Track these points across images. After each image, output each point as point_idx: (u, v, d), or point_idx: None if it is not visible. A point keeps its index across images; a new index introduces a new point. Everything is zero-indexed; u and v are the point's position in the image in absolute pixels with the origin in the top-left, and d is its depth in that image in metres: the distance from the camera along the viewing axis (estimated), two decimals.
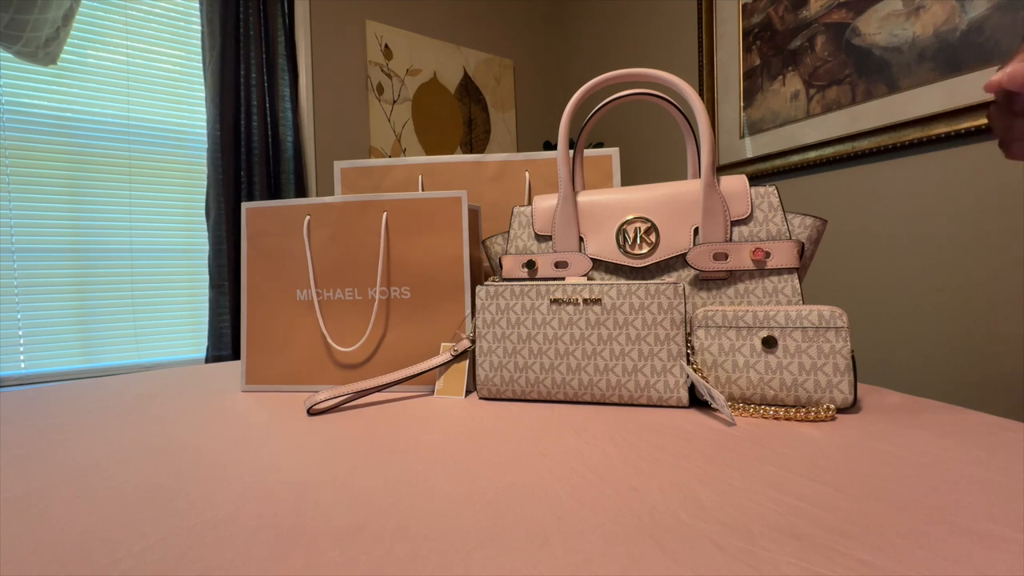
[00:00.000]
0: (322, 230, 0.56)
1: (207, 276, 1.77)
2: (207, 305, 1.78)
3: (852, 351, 0.40)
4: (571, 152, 0.56)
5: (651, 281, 0.44)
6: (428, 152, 2.27)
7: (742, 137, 1.68)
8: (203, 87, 1.79)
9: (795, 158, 1.52)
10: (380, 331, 0.55)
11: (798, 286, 0.45)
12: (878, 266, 1.36)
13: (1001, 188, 1.14)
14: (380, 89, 2.14)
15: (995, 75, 0.33)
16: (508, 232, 0.55)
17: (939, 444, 0.32)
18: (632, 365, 0.43)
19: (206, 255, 1.79)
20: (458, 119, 2.36)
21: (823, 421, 0.38)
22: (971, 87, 1.15)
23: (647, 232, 0.49)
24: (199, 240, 1.84)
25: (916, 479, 0.27)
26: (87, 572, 0.20)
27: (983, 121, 1.13)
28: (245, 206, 0.58)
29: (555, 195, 0.54)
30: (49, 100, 1.61)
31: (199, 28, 1.80)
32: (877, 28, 1.31)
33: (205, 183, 1.78)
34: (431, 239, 0.54)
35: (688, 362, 0.43)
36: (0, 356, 1.53)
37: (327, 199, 0.56)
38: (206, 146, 1.76)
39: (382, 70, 2.15)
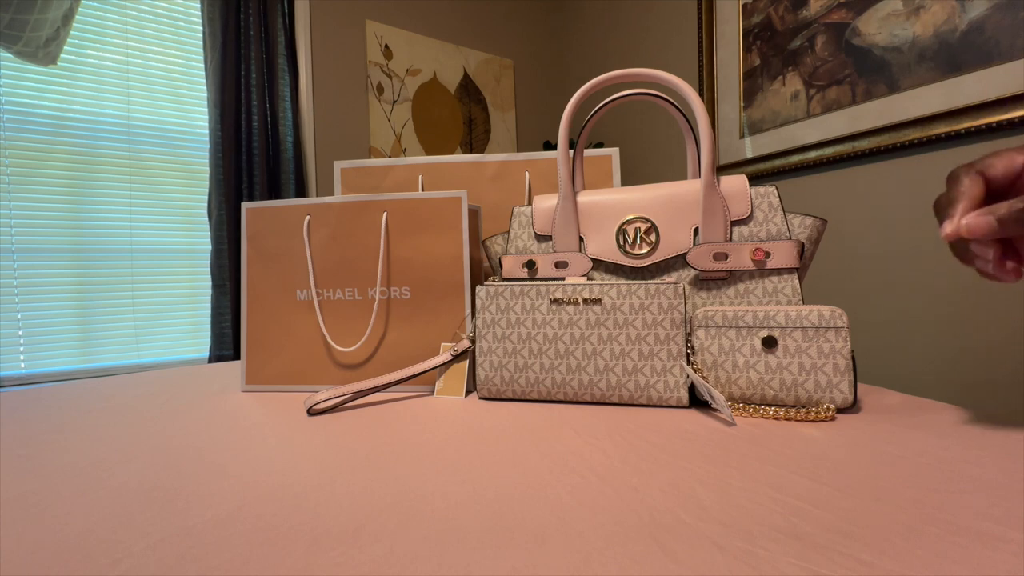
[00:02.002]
0: (322, 230, 0.56)
1: (209, 276, 1.78)
2: (209, 305, 1.78)
3: (852, 351, 0.39)
4: (571, 152, 0.56)
5: (651, 281, 0.44)
6: (428, 152, 2.27)
7: (742, 137, 1.68)
8: (204, 87, 1.80)
9: (795, 158, 1.52)
10: (380, 331, 0.55)
11: (798, 286, 0.45)
12: (878, 266, 1.36)
13: None
14: (380, 89, 2.14)
15: (947, 226, 0.32)
16: (508, 232, 0.55)
17: (939, 444, 0.32)
18: (632, 365, 0.43)
19: (208, 255, 1.79)
20: (458, 119, 2.36)
21: (823, 421, 0.38)
22: (971, 87, 1.15)
23: (647, 232, 0.49)
24: (200, 240, 1.84)
25: (916, 479, 0.27)
26: (87, 572, 0.20)
27: (983, 121, 1.13)
28: (245, 206, 0.58)
29: (555, 195, 0.54)
30: (49, 100, 1.61)
31: (199, 28, 1.80)
32: (877, 28, 1.31)
33: (207, 183, 1.78)
34: (431, 239, 0.54)
35: (688, 362, 0.43)
36: (0, 356, 1.53)
37: (327, 199, 0.56)
38: (208, 146, 1.76)
39: (382, 70, 2.15)
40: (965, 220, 0.30)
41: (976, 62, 1.14)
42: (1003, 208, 0.29)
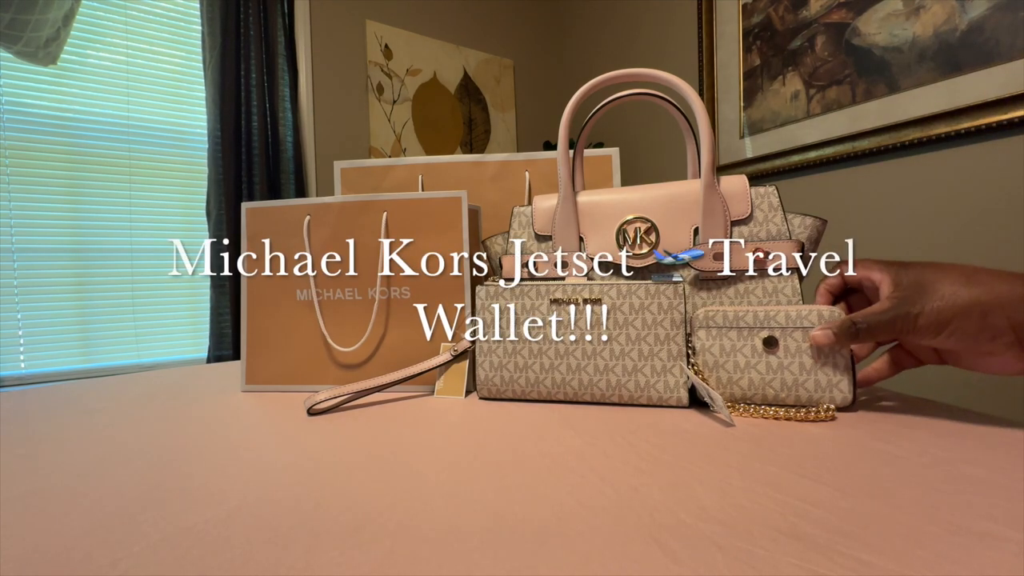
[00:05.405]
0: (322, 230, 0.56)
1: (208, 276, 1.77)
2: (208, 305, 1.78)
3: (852, 351, 0.39)
4: (571, 152, 0.56)
5: (651, 281, 0.44)
6: (428, 152, 2.27)
7: (742, 137, 1.68)
8: (203, 87, 1.79)
9: (795, 158, 1.52)
10: (380, 331, 0.55)
11: (798, 286, 0.45)
12: None
13: (1001, 188, 1.14)
14: (380, 89, 2.14)
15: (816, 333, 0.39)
16: (508, 232, 0.55)
17: (939, 444, 0.32)
18: (632, 365, 0.43)
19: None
20: (458, 119, 2.36)
21: (823, 421, 0.38)
22: (971, 87, 1.15)
23: (647, 232, 0.49)
24: (200, 240, 1.83)
25: (916, 479, 0.27)
26: (87, 572, 0.20)
27: (983, 121, 1.13)
28: (245, 206, 0.58)
29: (555, 195, 0.54)
30: (49, 100, 1.61)
31: (199, 28, 1.80)
32: (877, 28, 1.31)
33: (206, 183, 1.78)
34: (431, 239, 0.54)
35: (689, 363, 0.43)
36: (0, 356, 1.53)
37: (327, 199, 0.56)
38: (207, 146, 1.76)
39: (382, 70, 2.15)
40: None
41: (976, 62, 1.14)
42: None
